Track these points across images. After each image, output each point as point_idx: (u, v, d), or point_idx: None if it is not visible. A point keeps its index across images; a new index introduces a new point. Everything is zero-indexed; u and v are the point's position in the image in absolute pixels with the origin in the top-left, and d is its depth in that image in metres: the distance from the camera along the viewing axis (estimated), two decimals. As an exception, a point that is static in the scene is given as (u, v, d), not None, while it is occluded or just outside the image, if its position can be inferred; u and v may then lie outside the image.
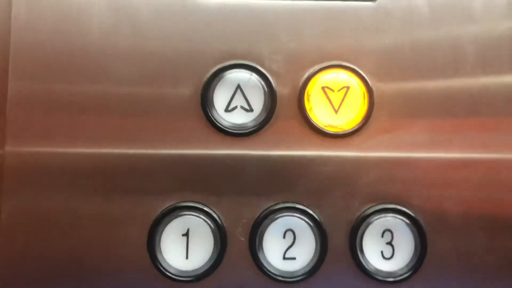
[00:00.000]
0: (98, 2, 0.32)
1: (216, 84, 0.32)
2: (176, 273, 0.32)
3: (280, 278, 0.32)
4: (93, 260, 0.32)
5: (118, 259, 0.32)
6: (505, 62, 0.33)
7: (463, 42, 0.33)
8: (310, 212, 0.32)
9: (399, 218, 0.32)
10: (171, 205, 0.32)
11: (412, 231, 0.32)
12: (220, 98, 0.32)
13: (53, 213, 0.32)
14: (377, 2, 0.33)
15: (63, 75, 0.32)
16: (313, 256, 0.32)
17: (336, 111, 0.32)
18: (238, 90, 0.32)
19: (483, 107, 0.33)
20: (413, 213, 0.32)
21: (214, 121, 0.32)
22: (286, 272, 0.32)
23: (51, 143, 0.32)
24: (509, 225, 0.32)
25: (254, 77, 0.32)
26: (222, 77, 0.32)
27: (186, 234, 0.32)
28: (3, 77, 0.31)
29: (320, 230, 0.32)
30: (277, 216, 0.32)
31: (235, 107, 0.32)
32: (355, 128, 0.32)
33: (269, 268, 0.32)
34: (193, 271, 0.32)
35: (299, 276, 0.32)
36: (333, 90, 0.32)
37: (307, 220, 0.32)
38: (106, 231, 0.32)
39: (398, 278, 0.32)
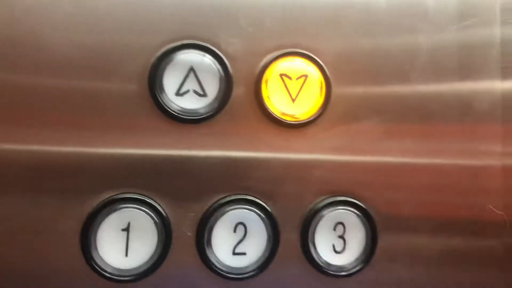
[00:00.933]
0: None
1: (167, 66, 0.29)
2: (113, 272, 0.28)
3: (229, 275, 0.30)
4: (24, 263, 0.28)
5: (49, 260, 0.28)
6: (454, 70, 0.34)
7: (416, 51, 0.33)
8: (263, 204, 0.30)
9: (351, 211, 0.32)
10: (109, 197, 0.28)
11: (363, 223, 0.32)
12: (170, 81, 0.29)
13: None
14: (338, -9, 0.32)
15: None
16: (264, 251, 0.31)
17: (293, 100, 0.31)
18: (191, 73, 0.29)
19: (434, 113, 0.33)
20: (364, 205, 0.32)
21: (163, 104, 0.29)
22: (236, 268, 0.30)
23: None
24: (451, 221, 0.34)
25: (208, 58, 0.29)
26: (172, 58, 0.29)
27: (126, 229, 0.29)
28: None
29: (272, 223, 0.31)
30: (227, 209, 0.30)
31: (187, 91, 0.29)
32: (311, 119, 0.31)
33: (217, 265, 0.30)
34: (133, 269, 0.29)
35: (249, 272, 0.30)
36: (291, 78, 0.31)
37: (259, 213, 0.30)
38: (37, 231, 0.28)
39: (348, 272, 0.32)
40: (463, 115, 0.34)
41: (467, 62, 0.34)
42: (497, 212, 0.34)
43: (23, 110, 0.27)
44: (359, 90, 0.32)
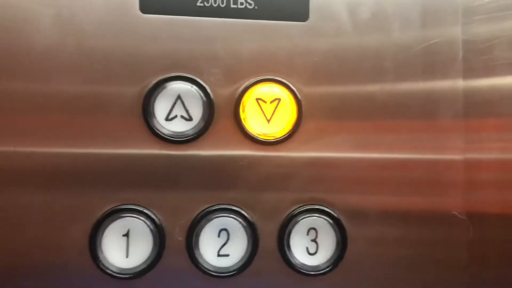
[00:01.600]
0: (43, 17, 0.33)
1: (158, 94, 0.34)
2: (116, 271, 0.34)
3: (215, 274, 0.35)
4: (35, 260, 0.33)
5: (60, 260, 0.33)
6: (418, 70, 0.37)
7: (382, 54, 0.37)
8: (243, 213, 0.35)
9: (323, 218, 0.36)
10: (112, 208, 0.34)
11: (334, 229, 0.36)
12: (161, 108, 0.34)
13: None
14: (307, 21, 0.36)
15: (9, 75, 0.33)
16: (245, 253, 0.35)
17: (268, 121, 0.36)
18: (178, 100, 0.34)
19: (400, 111, 0.37)
20: (335, 213, 0.36)
21: (155, 129, 0.34)
22: (220, 268, 0.35)
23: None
24: (420, 219, 0.37)
25: (194, 88, 0.34)
26: (163, 88, 0.34)
27: (127, 235, 0.34)
28: None
29: (252, 229, 0.35)
30: (212, 217, 0.35)
31: (175, 116, 0.34)
32: (285, 136, 0.35)
33: (204, 265, 0.35)
34: (133, 268, 0.34)
35: (232, 271, 0.35)
36: (265, 102, 0.35)
37: (240, 220, 0.35)
38: (50, 228, 0.33)
39: (321, 272, 0.36)
40: (428, 112, 0.37)
41: (431, 62, 0.37)
42: (461, 217, 0.37)
43: (38, 116, 0.33)
44: (329, 97, 0.36)
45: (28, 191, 0.33)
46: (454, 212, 0.37)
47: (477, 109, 0.37)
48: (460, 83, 0.37)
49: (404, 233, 0.37)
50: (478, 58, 0.38)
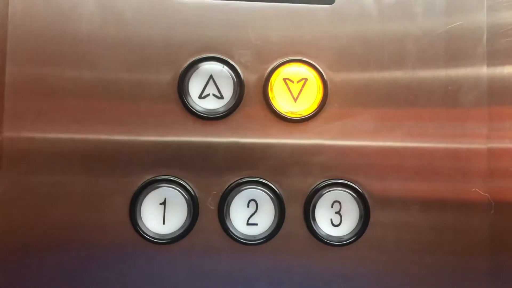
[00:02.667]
0: (87, 3, 0.36)
1: (191, 74, 0.37)
2: (154, 236, 0.37)
3: (244, 241, 0.37)
4: (81, 229, 0.37)
5: (103, 227, 0.37)
6: (442, 56, 0.38)
7: (405, 40, 0.38)
8: (271, 185, 0.37)
9: (347, 192, 0.38)
10: (150, 178, 0.37)
11: (357, 202, 0.38)
12: (194, 87, 0.37)
13: (45, 188, 0.36)
14: (333, 5, 0.38)
15: (56, 63, 0.36)
16: (272, 223, 0.38)
17: (295, 100, 0.38)
18: (211, 80, 0.37)
19: (421, 98, 0.38)
20: (359, 187, 0.38)
21: (189, 106, 0.37)
22: (249, 236, 0.37)
23: (43, 129, 0.36)
24: (442, 204, 0.38)
25: (225, 69, 0.37)
26: (196, 68, 0.37)
27: (163, 203, 0.37)
28: (1, 66, 0.36)
29: (279, 201, 0.37)
30: (242, 188, 0.37)
31: (208, 95, 0.37)
32: (311, 114, 0.37)
33: (234, 232, 0.37)
34: (168, 234, 0.37)
35: (260, 239, 0.37)
36: (293, 82, 0.38)
37: (268, 192, 0.37)
38: (93, 203, 0.37)
39: (344, 242, 0.38)
40: (451, 100, 0.38)
41: (454, 49, 0.38)
42: (482, 193, 0.38)
43: (82, 105, 0.36)
44: (353, 82, 0.38)
45: (72, 171, 0.36)
46: (475, 189, 0.38)
47: (501, 96, 0.38)
48: (484, 71, 0.38)
49: (426, 216, 0.38)
50: (503, 43, 0.38)
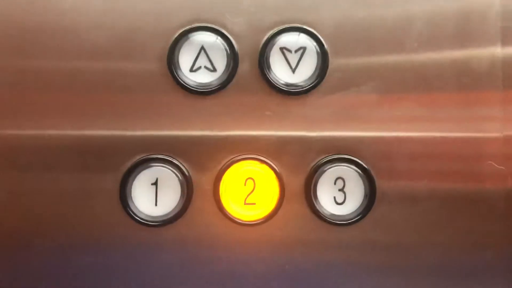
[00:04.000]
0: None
1: (181, 46, 0.35)
2: (146, 218, 0.35)
3: (241, 222, 0.35)
4: (69, 212, 0.35)
5: (93, 210, 0.35)
6: (452, 37, 0.35)
7: (412, 18, 0.35)
8: (269, 162, 0.35)
9: (351, 168, 0.35)
10: (141, 157, 0.35)
11: (362, 179, 0.35)
12: (185, 59, 0.35)
13: (32, 168, 0.35)
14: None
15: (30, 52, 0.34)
16: (271, 202, 0.35)
17: (293, 71, 0.35)
18: (202, 51, 0.35)
19: (425, 82, 0.35)
20: (364, 163, 0.35)
21: (180, 80, 0.34)
22: (247, 215, 0.35)
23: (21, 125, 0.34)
24: (448, 174, 0.36)
25: (216, 37, 0.35)
26: (187, 39, 0.35)
27: (155, 183, 0.35)
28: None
29: (279, 178, 0.35)
30: (237, 166, 0.35)
31: (199, 67, 0.35)
32: (310, 86, 0.35)
33: (231, 213, 0.35)
34: (161, 216, 0.35)
35: (258, 220, 0.35)
36: (290, 51, 0.35)
37: (267, 169, 0.35)
38: (81, 185, 0.35)
39: (349, 221, 0.36)
40: (462, 82, 0.35)
41: (464, 28, 0.35)
42: (497, 166, 0.35)
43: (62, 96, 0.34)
44: (356, 59, 0.35)
45: (61, 153, 0.35)
46: (490, 162, 0.35)
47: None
48: (498, 50, 0.35)
49: (434, 184, 0.36)
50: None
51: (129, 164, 0.35)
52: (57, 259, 0.35)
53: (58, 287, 0.36)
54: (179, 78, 0.34)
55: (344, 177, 0.35)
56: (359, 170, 0.35)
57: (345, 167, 0.35)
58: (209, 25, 0.35)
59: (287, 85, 0.35)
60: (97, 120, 0.35)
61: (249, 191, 0.35)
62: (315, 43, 0.35)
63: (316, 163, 0.35)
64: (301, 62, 0.35)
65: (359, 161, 0.35)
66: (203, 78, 0.35)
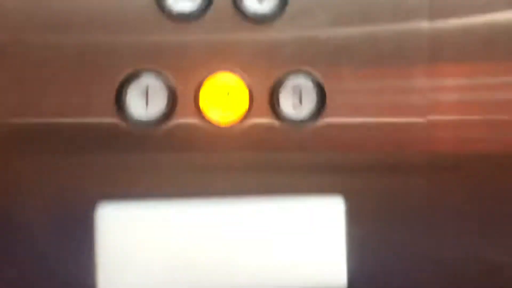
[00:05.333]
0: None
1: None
2: (138, 120, 0.42)
3: (217, 124, 0.43)
4: (69, 118, 0.42)
5: (95, 112, 0.42)
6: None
7: None
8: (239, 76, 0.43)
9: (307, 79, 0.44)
10: (133, 70, 0.42)
11: (315, 88, 0.44)
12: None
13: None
14: None
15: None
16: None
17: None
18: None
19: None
20: (316, 77, 0.44)
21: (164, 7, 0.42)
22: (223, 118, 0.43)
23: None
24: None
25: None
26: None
27: (146, 91, 0.42)
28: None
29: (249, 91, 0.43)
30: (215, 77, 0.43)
31: (182, -2, 0.42)
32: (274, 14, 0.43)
33: (209, 116, 0.43)
34: (151, 118, 0.42)
35: (232, 122, 0.43)
36: (258, -13, 0.43)
37: (238, 82, 0.43)
38: (80, 94, 0.42)
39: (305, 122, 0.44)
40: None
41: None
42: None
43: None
44: None
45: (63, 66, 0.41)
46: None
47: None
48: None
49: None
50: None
51: (121, 75, 0.42)
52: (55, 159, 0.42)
53: (57, 189, 0.42)
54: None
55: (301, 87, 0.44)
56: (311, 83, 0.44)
57: (302, 79, 0.44)
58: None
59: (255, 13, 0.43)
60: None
61: (224, 99, 0.43)
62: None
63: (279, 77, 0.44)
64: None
65: (312, 75, 0.44)
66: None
